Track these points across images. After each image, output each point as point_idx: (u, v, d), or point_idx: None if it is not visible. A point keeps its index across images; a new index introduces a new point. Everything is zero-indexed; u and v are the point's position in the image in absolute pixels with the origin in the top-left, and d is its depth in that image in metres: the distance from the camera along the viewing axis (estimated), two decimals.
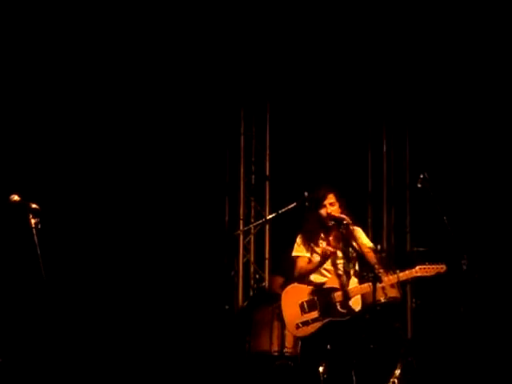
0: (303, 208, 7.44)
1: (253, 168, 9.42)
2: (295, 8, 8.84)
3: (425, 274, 6.70)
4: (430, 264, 6.69)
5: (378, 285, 6.60)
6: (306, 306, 6.76)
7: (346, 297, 6.72)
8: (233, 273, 9.23)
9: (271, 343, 7.85)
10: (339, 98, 9.42)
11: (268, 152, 9.40)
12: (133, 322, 8.37)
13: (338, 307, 6.71)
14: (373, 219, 9.70)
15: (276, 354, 7.83)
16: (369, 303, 6.74)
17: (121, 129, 8.59)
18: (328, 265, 6.85)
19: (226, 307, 9.11)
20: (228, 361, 8.54)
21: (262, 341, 8.03)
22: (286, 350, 7.70)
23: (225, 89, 9.19)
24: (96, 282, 8.21)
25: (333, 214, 6.80)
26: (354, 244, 6.73)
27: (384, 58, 9.39)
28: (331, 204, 6.84)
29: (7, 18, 7.89)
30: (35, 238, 5.48)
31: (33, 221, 5.53)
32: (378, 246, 8.66)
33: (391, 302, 6.94)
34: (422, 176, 6.88)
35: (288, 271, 7.30)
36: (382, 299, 6.88)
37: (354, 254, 6.82)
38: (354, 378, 6.49)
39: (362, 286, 6.75)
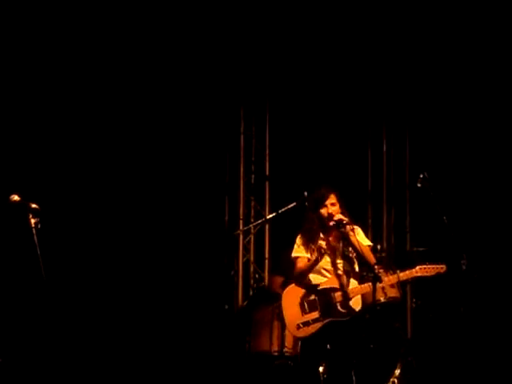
0: (303, 208, 7.42)
1: (253, 168, 9.41)
2: (295, 8, 8.84)
3: (425, 274, 6.70)
4: (429, 264, 6.70)
5: (378, 285, 6.61)
6: (306, 306, 6.76)
7: (346, 297, 6.72)
8: (232, 272, 9.23)
9: (271, 343, 7.85)
10: (339, 97, 9.42)
11: (268, 152, 9.39)
12: (133, 321, 8.37)
13: (339, 307, 6.71)
14: (373, 219, 9.70)
15: (276, 353, 7.83)
16: (369, 303, 6.74)
17: (120, 127, 8.59)
18: (328, 265, 6.85)
19: (226, 307, 9.10)
20: (228, 361, 8.53)
21: (261, 341, 8.03)
22: (285, 349, 7.68)
23: (224, 88, 9.18)
24: (96, 282, 8.21)
25: (334, 214, 6.79)
26: (354, 244, 6.73)
27: (384, 58, 9.40)
28: (332, 204, 6.83)
29: (7, 18, 7.89)
30: (35, 237, 5.48)
31: (33, 221, 5.53)
32: (378, 246, 8.68)
33: (391, 301, 6.96)
34: (421, 176, 6.88)
35: (288, 271, 7.29)
36: (382, 299, 6.90)
37: (354, 254, 6.82)
38: (353, 377, 6.49)
39: (362, 286, 6.76)
